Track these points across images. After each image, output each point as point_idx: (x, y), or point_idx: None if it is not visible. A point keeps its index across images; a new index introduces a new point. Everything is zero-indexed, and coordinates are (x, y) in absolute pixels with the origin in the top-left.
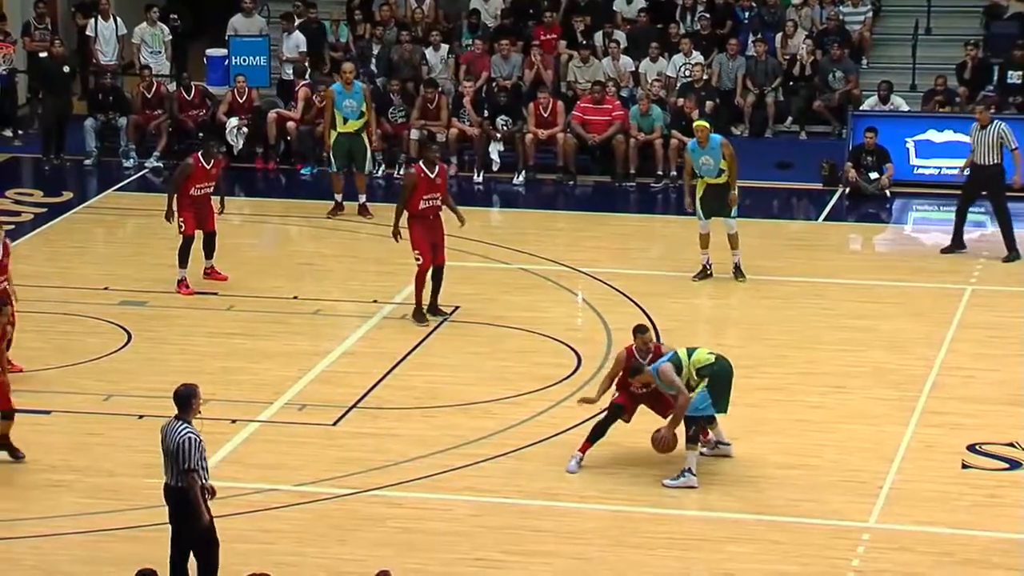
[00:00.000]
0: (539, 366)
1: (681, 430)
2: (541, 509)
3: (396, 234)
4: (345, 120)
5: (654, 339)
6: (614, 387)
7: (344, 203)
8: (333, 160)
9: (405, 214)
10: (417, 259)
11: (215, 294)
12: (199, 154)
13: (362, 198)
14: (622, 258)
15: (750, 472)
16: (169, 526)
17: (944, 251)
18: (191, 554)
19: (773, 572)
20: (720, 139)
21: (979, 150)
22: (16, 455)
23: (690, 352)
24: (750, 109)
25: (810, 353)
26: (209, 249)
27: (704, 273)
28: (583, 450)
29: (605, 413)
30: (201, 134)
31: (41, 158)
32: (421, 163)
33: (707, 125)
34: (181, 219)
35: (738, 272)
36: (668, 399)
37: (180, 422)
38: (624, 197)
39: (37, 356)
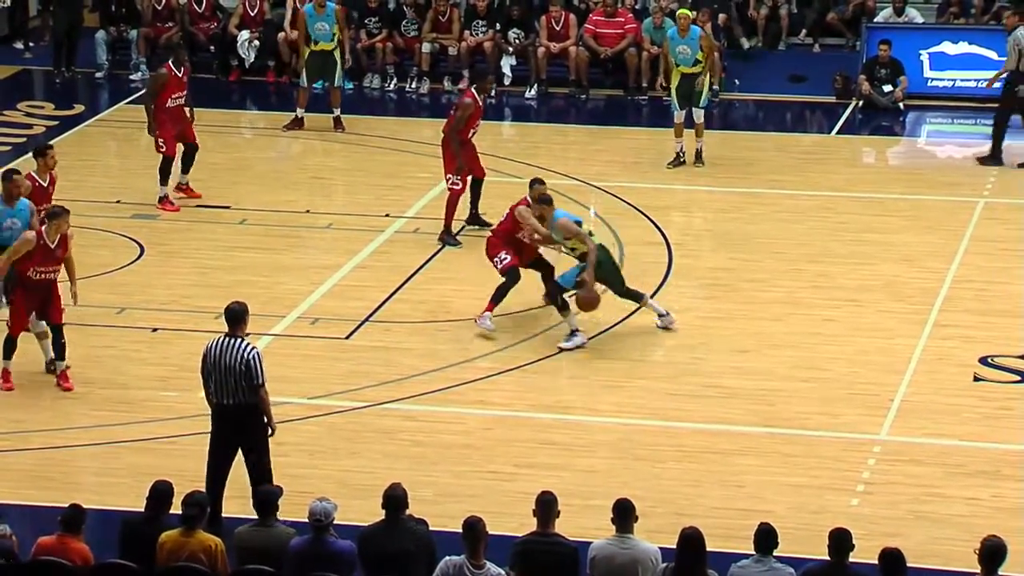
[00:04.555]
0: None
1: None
2: (552, 422)
3: (460, 169)
4: (316, 42)
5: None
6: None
7: (307, 116)
8: (305, 75)
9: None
10: (455, 185)
11: (227, 207)
12: (170, 62)
13: (336, 111)
14: (634, 172)
15: (761, 385)
16: (212, 442)
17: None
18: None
19: (784, 484)
20: (700, 31)
21: (1009, 56)
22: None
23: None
24: (763, 21)
25: (822, 267)
26: (188, 163)
27: (677, 160)
28: (490, 309)
29: (504, 279)
30: (212, 47)
31: (52, 71)
32: (474, 90)
33: (690, 14)
34: (161, 139)
35: (698, 158)
36: (529, 249)
37: (238, 339)
38: (636, 110)
39: None
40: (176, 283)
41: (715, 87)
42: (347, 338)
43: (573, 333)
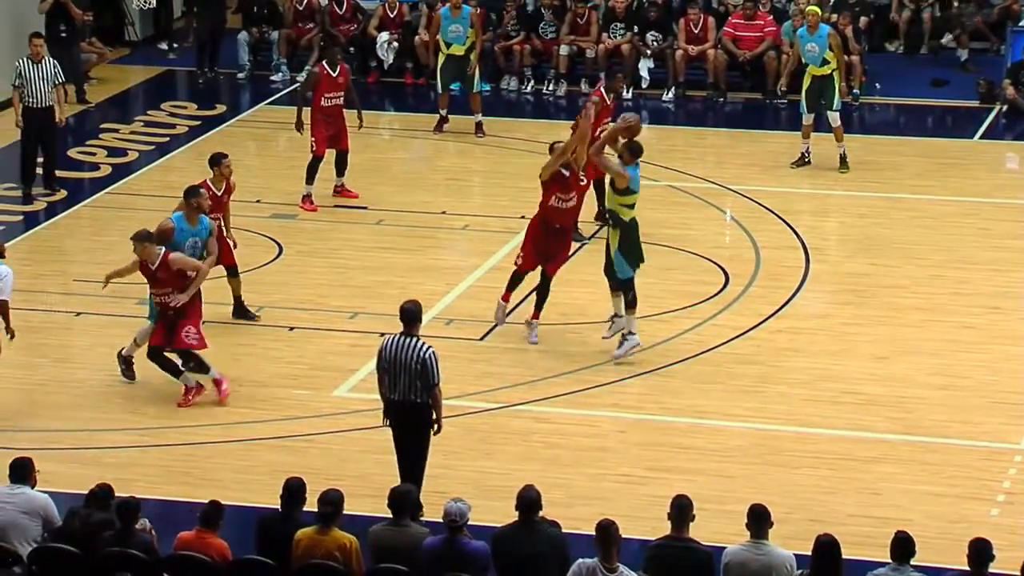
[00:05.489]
0: (686, 283)
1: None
2: (685, 426)
3: (590, 161)
4: (449, 44)
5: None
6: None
7: (449, 116)
8: (439, 80)
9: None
10: (580, 181)
11: (364, 208)
12: (324, 62)
13: (478, 117)
14: (772, 175)
15: (900, 392)
16: (393, 438)
17: None
18: None
19: (922, 493)
20: (829, 29)
21: None
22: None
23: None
24: (906, 25)
25: (963, 273)
26: (341, 167)
27: (802, 160)
28: (505, 299)
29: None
30: (351, 49)
31: (195, 71)
32: (603, 89)
33: (818, 11)
34: (313, 139)
35: (842, 163)
36: (564, 247)
37: (415, 338)
38: (775, 114)
39: None
40: (313, 283)
41: (855, 90)
42: (481, 339)
43: (626, 336)
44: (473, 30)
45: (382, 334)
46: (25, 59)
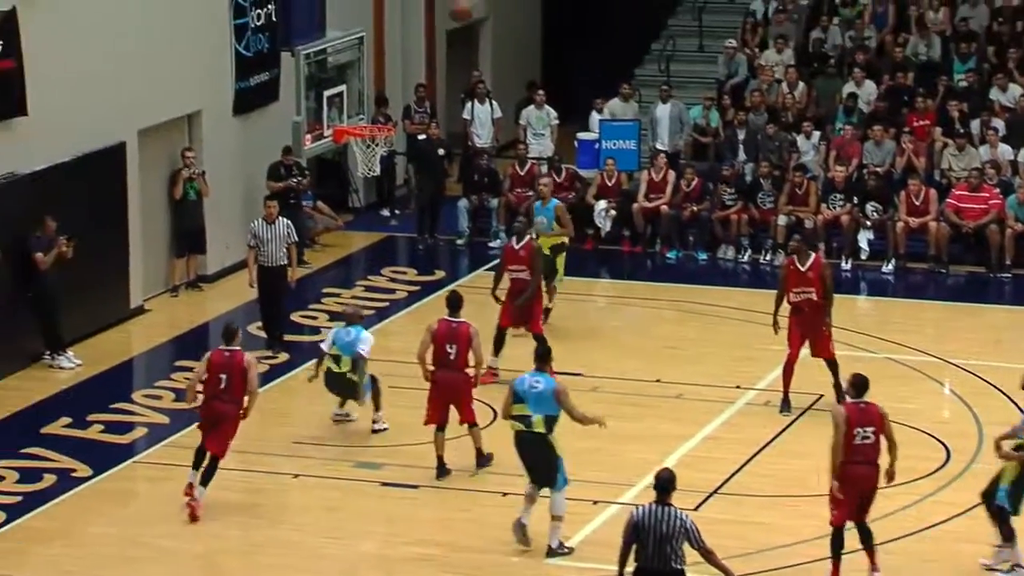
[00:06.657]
0: (905, 458)
1: None
2: None
3: (776, 324)
4: (538, 235)
5: None
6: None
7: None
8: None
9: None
10: (789, 350)
11: (579, 374)
12: (513, 238)
13: (550, 305)
14: (995, 350)
15: None
16: None
17: None
18: None
19: None
20: None
21: None
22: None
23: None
24: None
25: None
26: (498, 346)
27: None
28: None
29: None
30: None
31: (415, 237)
32: (795, 256)
33: None
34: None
35: None
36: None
37: (670, 507)
38: (998, 288)
39: (408, 430)
40: None
41: None
42: (696, 509)
43: (1015, 568)
44: (558, 223)
45: (595, 502)
46: (260, 220)
